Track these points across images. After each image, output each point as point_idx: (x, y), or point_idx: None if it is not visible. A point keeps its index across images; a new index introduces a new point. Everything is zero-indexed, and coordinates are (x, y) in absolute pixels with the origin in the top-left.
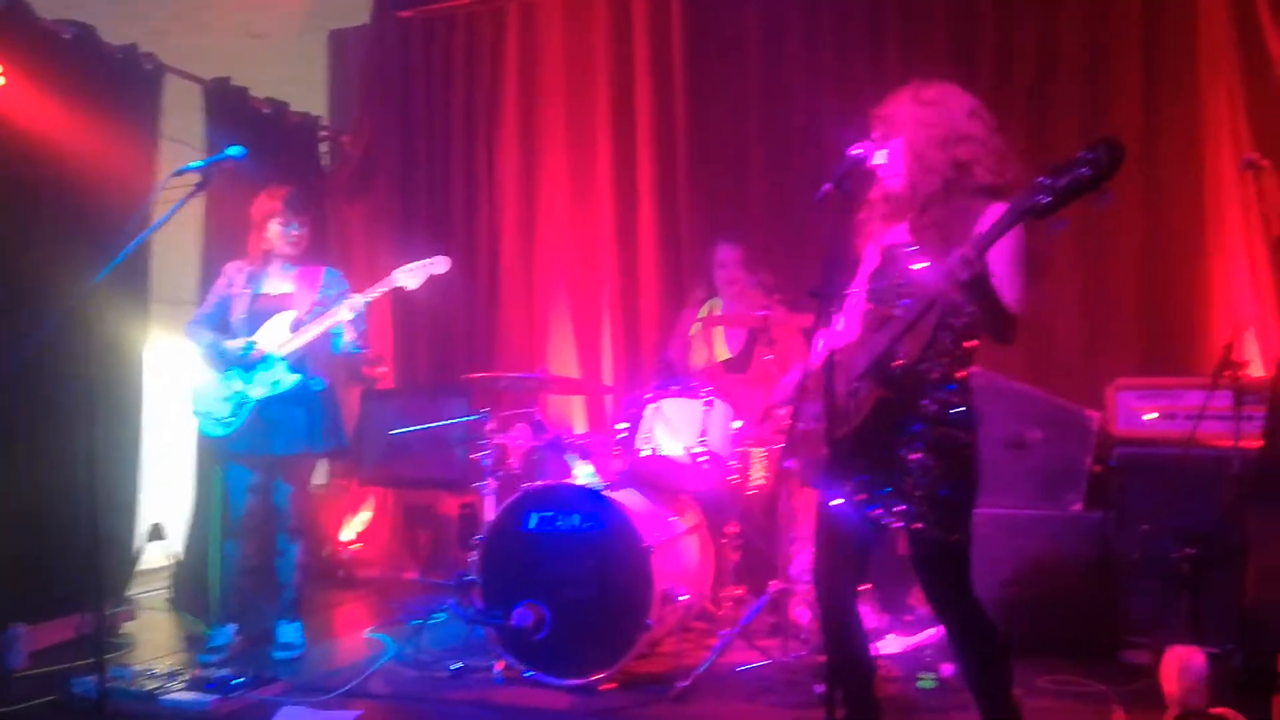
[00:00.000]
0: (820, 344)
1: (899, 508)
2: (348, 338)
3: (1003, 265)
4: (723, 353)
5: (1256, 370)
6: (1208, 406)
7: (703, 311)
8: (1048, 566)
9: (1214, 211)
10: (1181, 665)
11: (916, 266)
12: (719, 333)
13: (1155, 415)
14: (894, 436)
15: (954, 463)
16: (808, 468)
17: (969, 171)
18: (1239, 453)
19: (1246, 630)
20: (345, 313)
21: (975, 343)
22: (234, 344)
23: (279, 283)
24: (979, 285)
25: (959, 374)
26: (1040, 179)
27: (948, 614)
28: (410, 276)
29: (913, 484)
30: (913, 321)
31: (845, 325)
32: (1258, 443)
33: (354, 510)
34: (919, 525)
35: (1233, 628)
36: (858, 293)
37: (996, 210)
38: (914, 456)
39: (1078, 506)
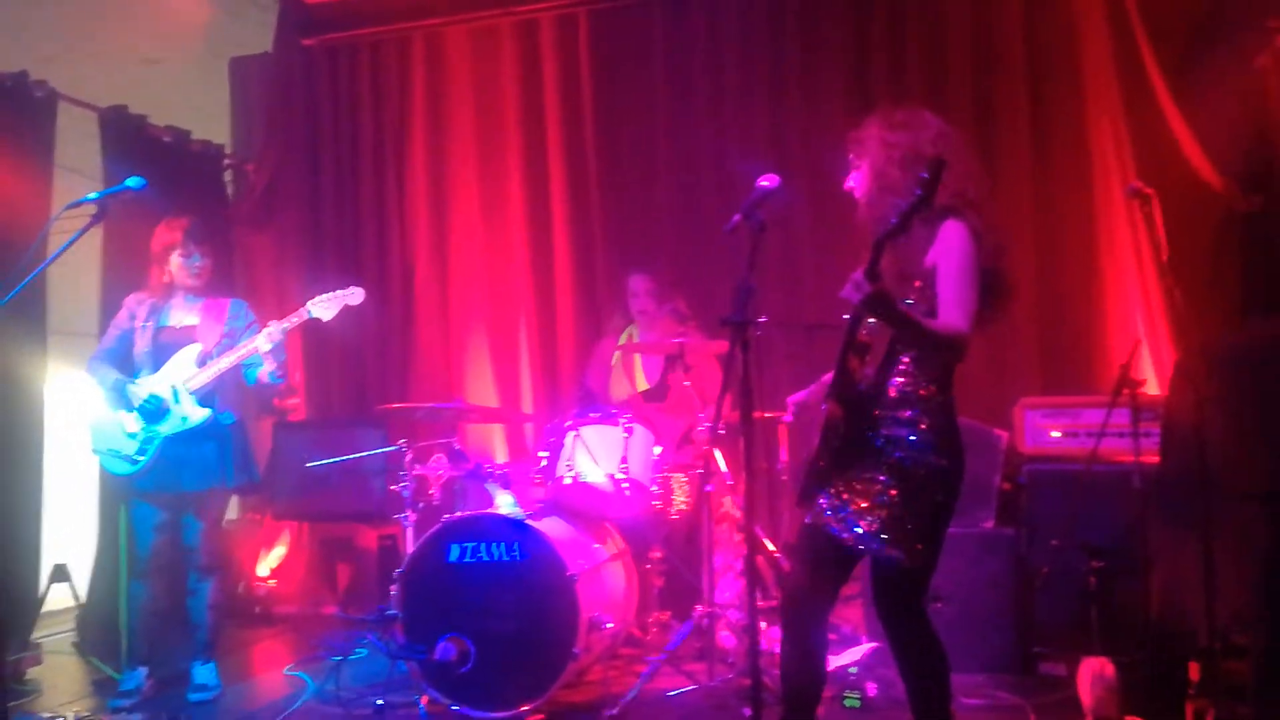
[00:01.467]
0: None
1: (859, 528)
2: (268, 368)
3: (946, 283)
4: (642, 383)
5: (1153, 388)
6: (1108, 424)
7: (622, 339)
8: (965, 583)
9: (1105, 234)
10: (1094, 675)
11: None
12: (638, 363)
13: (1059, 434)
14: (855, 457)
15: (914, 484)
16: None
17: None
18: (1139, 468)
19: (1153, 639)
20: (264, 342)
21: (937, 363)
22: (137, 390)
23: (183, 315)
24: (879, 307)
25: (923, 392)
26: (895, 202)
27: (899, 634)
28: (324, 308)
29: (875, 504)
30: (847, 342)
31: None
32: (1155, 458)
33: (269, 545)
34: (876, 546)
35: (1140, 637)
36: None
37: (950, 229)
38: (874, 475)
39: (989, 524)
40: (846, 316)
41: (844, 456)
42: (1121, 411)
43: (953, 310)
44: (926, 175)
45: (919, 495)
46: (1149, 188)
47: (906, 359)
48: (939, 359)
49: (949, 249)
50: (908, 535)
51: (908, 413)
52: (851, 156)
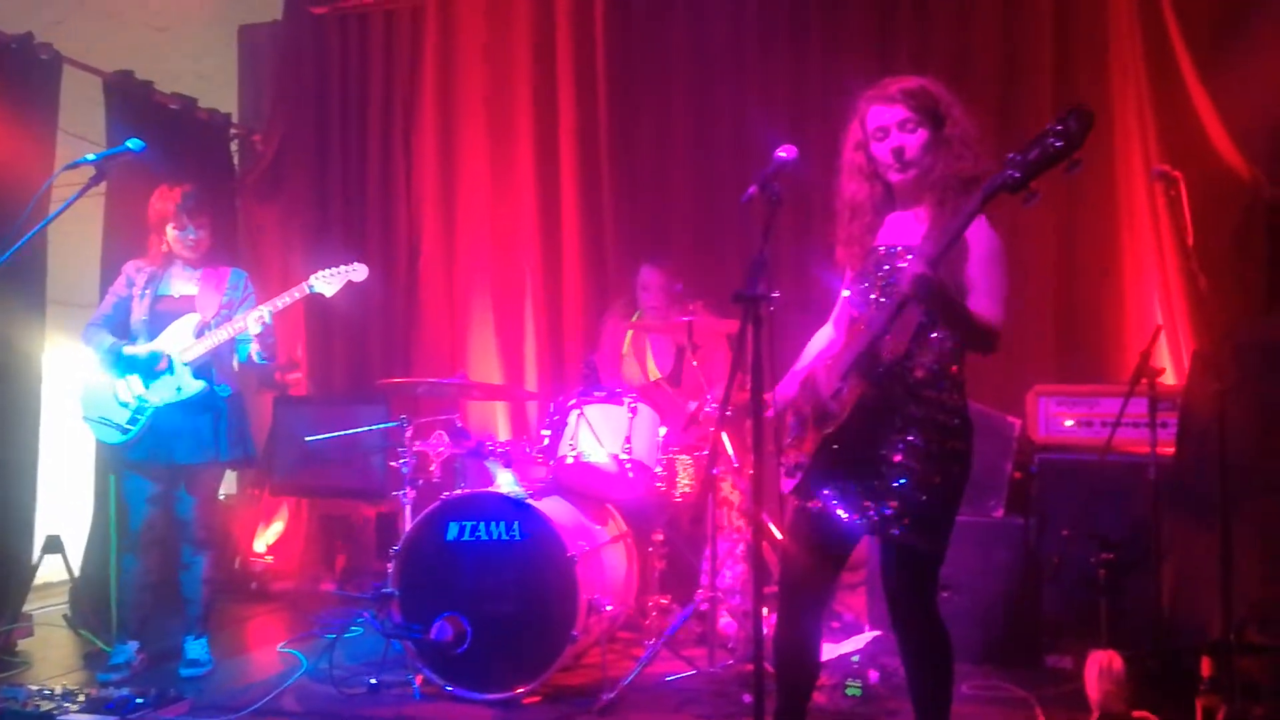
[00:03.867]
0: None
1: (875, 512)
2: (254, 348)
3: (979, 270)
4: (654, 371)
5: (1171, 378)
6: (1124, 413)
7: (634, 317)
8: (972, 572)
9: (1126, 220)
10: (1101, 668)
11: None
12: (649, 350)
13: (1073, 422)
14: (877, 437)
15: (937, 468)
16: (797, 478)
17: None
18: (1155, 459)
19: (1163, 634)
20: (253, 325)
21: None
22: (136, 349)
23: (181, 284)
24: (934, 298)
25: (951, 370)
26: (1011, 155)
27: (908, 622)
28: (327, 283)
29: (891, 488)
30: (890, 318)
31: (833, 334)
32: (1172, 449)
33: (266, 521)
34: (896, 531)
35: (1150, 631)
36: (845, 301)
37: (981, 220)
38: (896, 459)
39: (999, 513)
40: (876, 298)
41: (861, 438)
42: (1138, 401)
43: (987, 301)
44: (1067, 125)
45: (942, 479)
46: (1175, 171)
47: (936, 339)
48: (972, 348)
49: (980, 238)
50: (929, 520)
51: (935, 395)
52: (906, 117)
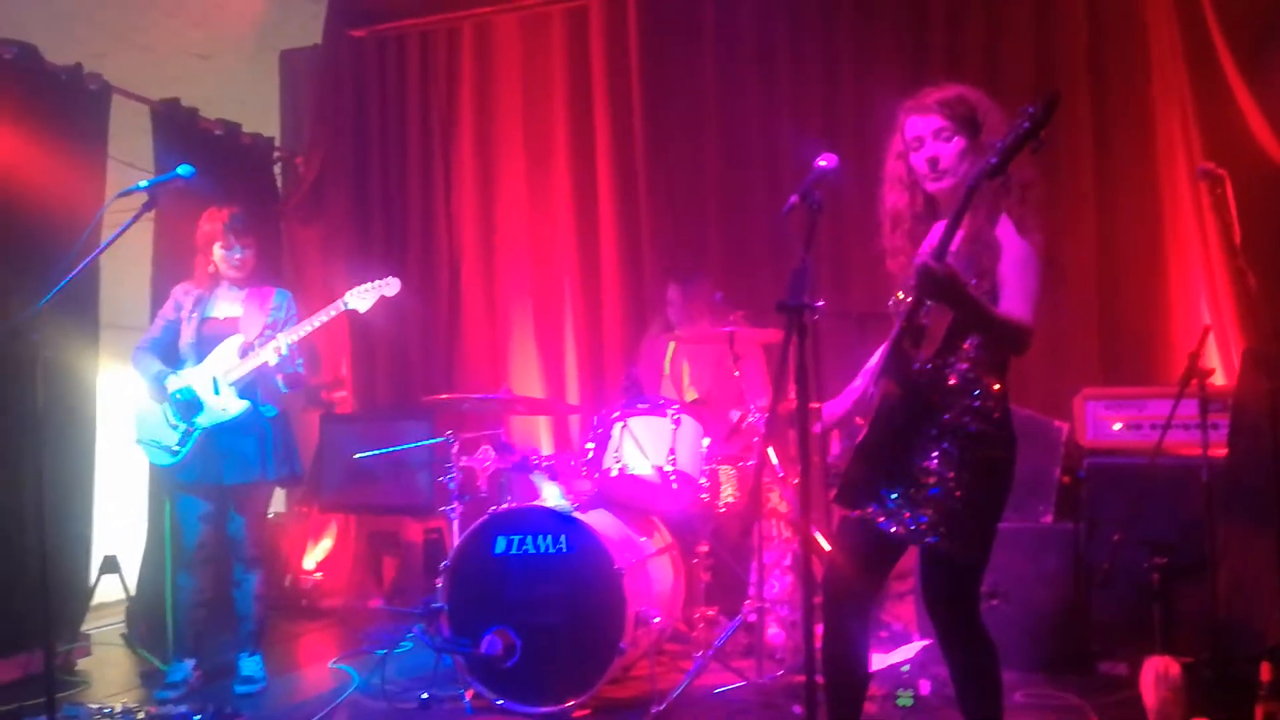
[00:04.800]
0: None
1: (912, 521)
2: (277, 378)
3: (1012, 271)
4: (690, 393)
5: (1220, 378)
6: (1175, 415)
7: (671, 346)
8: (1022, 579)
9: (1170, 221)
10: (1158, 675)
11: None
12: (685, 373)
13: (1121, 425)
14: (912, 444)
15: (975, 476)
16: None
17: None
18: (1207, 461)
19: (1219, 639)
20: (270, 354)
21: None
22: (175, 382)
23: (227, 306)
24: (948, 289)
25: (988, 381)
26: (991, 141)
27: (949, 630)
28: (361, 299)
29: (928, 496)
30: (908, 315)
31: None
32: (1224, 451)
33: (315, 538)
34: (931, 540)
35: (1205, 637)
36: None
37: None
38: (931, 466)
39: (1048, 518)
40: (903, 296)
41: (896, 446)
42: (1188, 402)
43: (1017, 300)
44: (1034, 109)
45: (978, 488)
46: (1220, 169)
47: (969, 345)
48: (1002, 350)
49: (1011, 237)
50: (965, 529)
51: (969, 402)
52: (942, 125)
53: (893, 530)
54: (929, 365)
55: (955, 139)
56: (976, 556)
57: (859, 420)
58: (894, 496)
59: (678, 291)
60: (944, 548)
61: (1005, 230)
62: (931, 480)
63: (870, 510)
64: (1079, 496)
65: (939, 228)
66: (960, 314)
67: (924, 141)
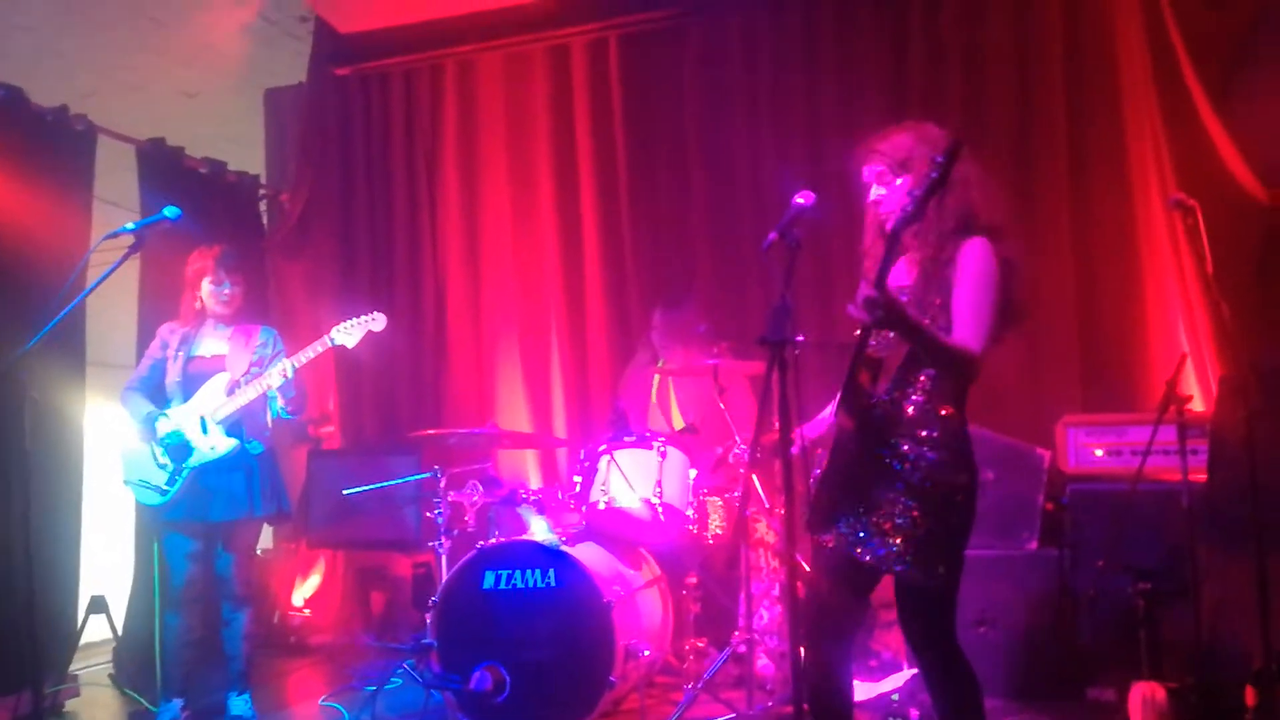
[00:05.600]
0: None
1: (881, 548)
2: (279, 403)
3: (963, 299)
4: (679, 421)
5: (1199, 405)
6: (1154, 442)
7: (659, 363)
8: (1008, 606)
9: (1146, 250)
10: (1145, 700)
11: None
12: (673, 401)
13: (1103, 452)
14: (877, 474)
15: (938, 505)
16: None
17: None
18: (1187, 486)
19: (1204, 664)
20: (276, 378)
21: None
22: (161, 425)
23: (213, 344)
24: (890, 316)
25: (942, 410)
26: (910, 190)
27: (927, 657)
28: (347, 335)
29: (895, 524)
30: (856, 356)
31: None
32: (1204, 476)
33: (303, 574)
34: (899, 568)
35: (1191, 662)
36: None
37: (973, 246)
38: (891, 496)
39: (1033, 545)
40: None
41: (858, 475)
42: (1167, 429)
43: (968, 328)
44: (942, 158)
45: (941, 515)
46: (1191, 199)
47: (924, 377)
48: (956, 378)
49: (969, 266)
50: (931, 557)
51: (927, 432)
52: (881, 169)
53: (865, 558)
54: (886, 397)
55: (895, 180)
56: (946, 582)
57: (820, 450)
58: (860, 525)
59: (662, 317)
60: (911, 575)
61: (971, 249)
62: (896, 509)
63: (841, 535)
64: (1062, 523)
65: (898, 264)
66: (910, 341)
67: (869, 186)
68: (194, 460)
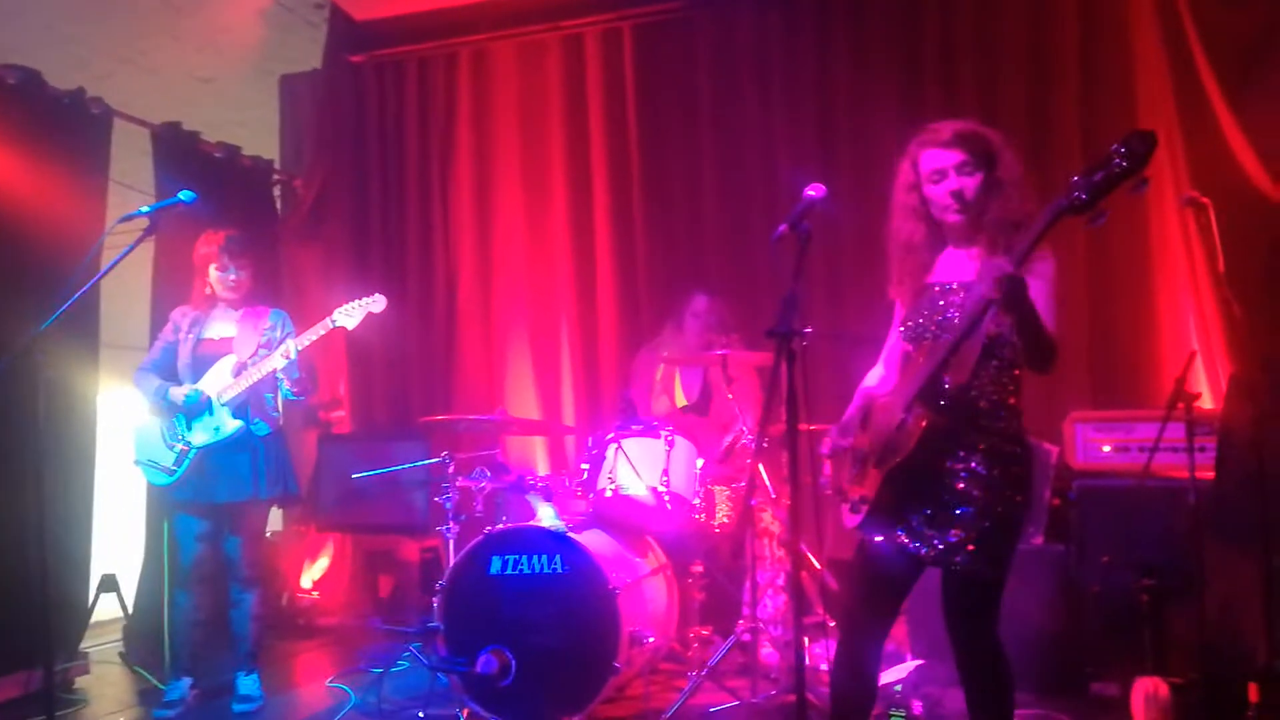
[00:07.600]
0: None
1: (940, 541)
2: (285, 385)
3: (1042, 297)
4: (681, 399)
5: (1208, 402)
6: (1162, 438)
7: (661, 367)
8: (1014, 601)
9: (1158, 247)
10: (1148, 696)
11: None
12: (677, 379)
13: (1111, 448)
14: (940, 466)
15: (1000, 495)
16: (862, 513)
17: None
18: (1194, 484)
19: (1208, 660)
20: (280, 360)
21: (1018, 371)
22: (178, 391)
23: (221, 326)
24: (1019, 300)
25: (1010, 401)
26: (1074, 178)
27: (971, 651)
28: (348, 316)
29: (955, 515)
30: (957, 341)
31: (884, 373)
32: (1211, 474)
33: (312, 557)
34: (958, 559)
35: (1195, 658)
36: (895, 339)
37: (1048, 260)
38: (959, 487)
39: (1039, 540)
40: (914, 323)
41: (928, 471)
42: (1175, 426)
43: (1049, 321)
44: (1139, 145)
45: (1002, 506)
46: (1204, 197)
47: (995, 369)
48: (1021, 371)
49: (1046, 273)
50: (994, 547)
51: (999, 424)
52: (964, 159)
53: (922, 553)
54: (960, 390)
55: (976, 173)
56: (1001, 574)
57: (863, 444)
58: (919, 520)
59: (705, 302)
60: (973, 566)
61: (1046, 264)
62: (960, 500)
63: (894, 534)
64: (1069, 518)
65: (948, 257)
66: (1021, 326)
67: (946, 174)
68: (201, 437)
